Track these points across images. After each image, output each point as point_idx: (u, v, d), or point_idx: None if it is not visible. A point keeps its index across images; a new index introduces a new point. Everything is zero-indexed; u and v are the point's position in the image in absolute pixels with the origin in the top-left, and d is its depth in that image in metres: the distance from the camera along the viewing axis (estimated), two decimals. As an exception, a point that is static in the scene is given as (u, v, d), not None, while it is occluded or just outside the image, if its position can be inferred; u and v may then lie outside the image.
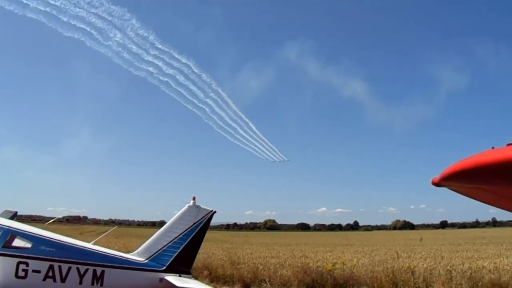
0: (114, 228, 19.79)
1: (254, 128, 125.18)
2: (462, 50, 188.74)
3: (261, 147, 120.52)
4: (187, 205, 13.98)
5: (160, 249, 12.87)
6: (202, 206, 14.24)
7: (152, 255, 12.76)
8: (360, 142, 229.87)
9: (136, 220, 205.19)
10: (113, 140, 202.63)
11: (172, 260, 12.73)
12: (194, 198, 14.12)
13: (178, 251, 12.94)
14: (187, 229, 13.27)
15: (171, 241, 12.99)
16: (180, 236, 13.12)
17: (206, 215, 13.94)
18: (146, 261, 12.60)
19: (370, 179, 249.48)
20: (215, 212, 14.24)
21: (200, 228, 13.50)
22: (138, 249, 12.98)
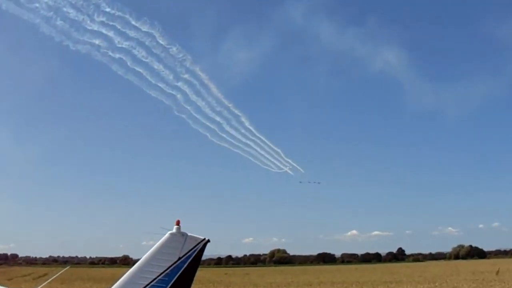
0: (66, 268, 19.68)
1: (247, 123, 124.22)
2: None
3: (258, 149, 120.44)
4: (169, 232, 13.97)
5: (133, 296, 12.77)
6: (189, 234, 14.23)
7: (122, 305, 12.67)
8: (399, 137, 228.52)
9: (88, 257, 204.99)
10: (43, 145, 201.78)
11: (151, 312, 12.64)
12: (178, 223, 14.10)
13: (159, 298, 12.84)
14: (170, 267, 13.20)
15: (149, 284, 12.89)
16: (160, 277, 13.06)
17: (196, 246, 13.91)
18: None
19: (417, 189, 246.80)
20: (208, 241, 14.23)
21: (188, 265, 13.45)
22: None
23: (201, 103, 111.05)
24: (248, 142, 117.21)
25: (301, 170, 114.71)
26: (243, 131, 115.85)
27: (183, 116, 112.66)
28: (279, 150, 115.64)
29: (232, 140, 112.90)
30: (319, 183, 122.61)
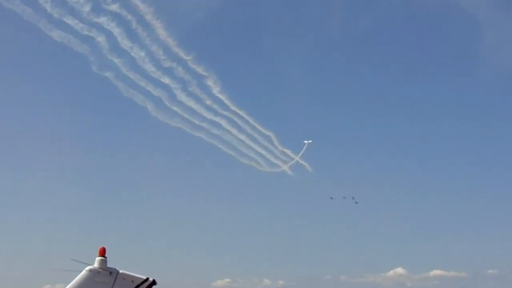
0: None
1: (216, 88, 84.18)
2: None
3: (235, 131, 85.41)
4: (88, 268, 9.08)
5: None
6: (122, 271, 9.28)
7: None
8: (474, 112, 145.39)
9: None
10: None
11: None
12: (102, 252, 9.29)
13: None
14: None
15: None
16: None
17: (134, 291, 8.95)
18: None
19: (507, 201, 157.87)
20: (154, 283, 9.53)
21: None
22: None
23: (139, 53, 78.49)
24: (218, 120, 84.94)
25: (308, 167, 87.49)
26: (209, 102, 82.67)
27: (107, 74, 79.26)
28: (270, 134, 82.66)
29: (191, 117, 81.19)
30: (356, 202, 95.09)
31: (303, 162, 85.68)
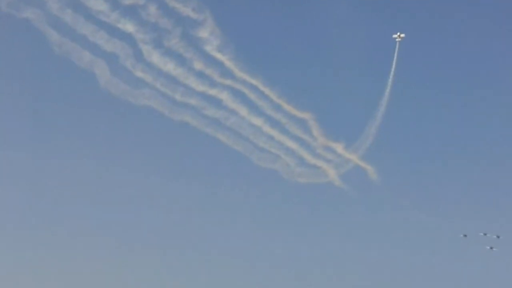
0: None
1: (213, 43, 45.12)
2: None
3: (246, 114, 45.71)
4: None
5: None
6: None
7: None
8: None
9: None
10: None
11: None
12: None
13: None
14: None
15: None
16: None
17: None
18: None
19: None
20: None
21: None
22: None
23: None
24: (216, 93, 50.97)
25: (372, 173, 47.64)
26: (200, 64, 48.21)
27: (28, 15, 45.83)
28: (306, 116, 46.14)
29: (170, 89, 47.95)
30: (491, 248, 60.93)
31: (364, 164, 45.09)
